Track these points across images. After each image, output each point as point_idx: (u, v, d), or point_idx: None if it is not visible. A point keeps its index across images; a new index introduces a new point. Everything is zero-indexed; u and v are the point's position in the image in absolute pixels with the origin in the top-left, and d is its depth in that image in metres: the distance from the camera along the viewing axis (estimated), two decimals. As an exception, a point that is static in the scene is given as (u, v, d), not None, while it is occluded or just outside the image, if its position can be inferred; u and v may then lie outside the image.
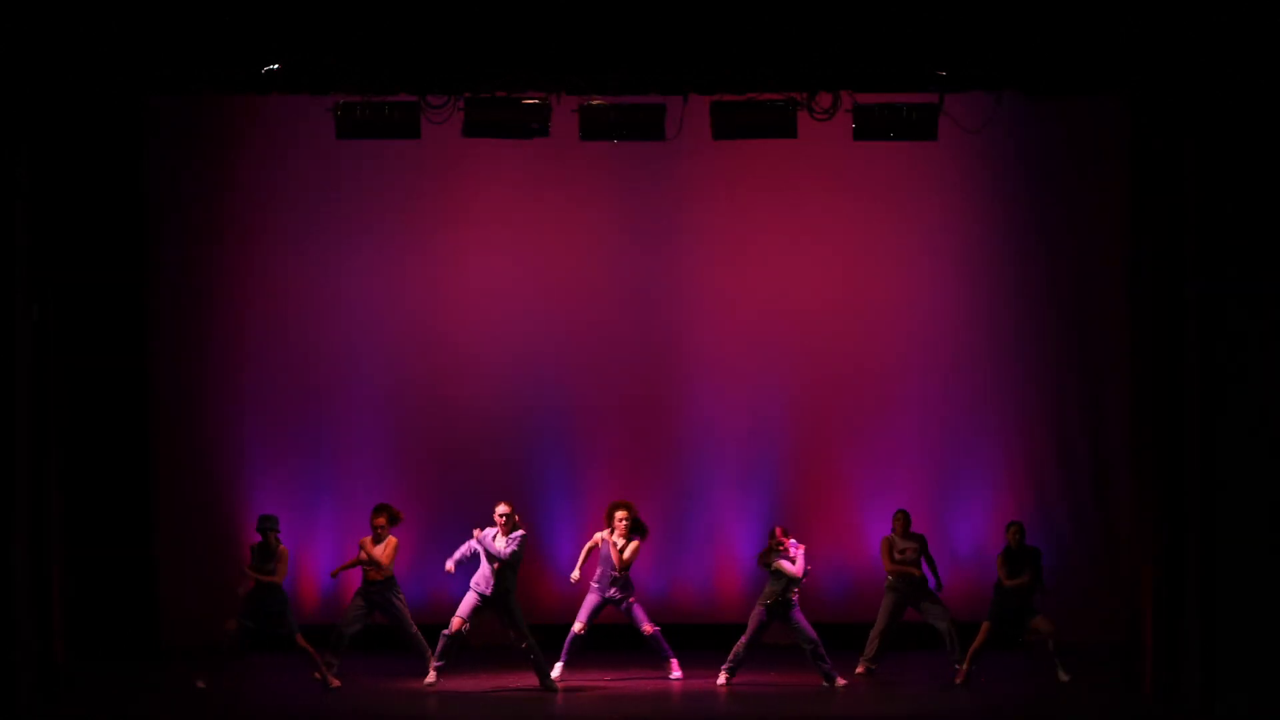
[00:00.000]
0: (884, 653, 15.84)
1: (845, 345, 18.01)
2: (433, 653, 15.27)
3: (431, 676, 15.19)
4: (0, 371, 14.11)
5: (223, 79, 14.86)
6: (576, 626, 15.56)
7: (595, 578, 15.66)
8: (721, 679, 15.22)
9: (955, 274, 18.09)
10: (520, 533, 15.06)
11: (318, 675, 15.11)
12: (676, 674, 15.56)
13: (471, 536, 15.15)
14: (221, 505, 17.85)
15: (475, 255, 18.10)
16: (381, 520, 15.55)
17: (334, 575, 15.99)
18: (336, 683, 15.14)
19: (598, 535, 15.68)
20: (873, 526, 17.58)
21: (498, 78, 14.87)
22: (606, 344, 18.02)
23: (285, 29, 14.22)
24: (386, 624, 15.69)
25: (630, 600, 15.55)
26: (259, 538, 15.29)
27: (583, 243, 18.11)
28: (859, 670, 15.68)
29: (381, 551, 15.52)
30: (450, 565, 15.16)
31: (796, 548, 15.16)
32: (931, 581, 15.99)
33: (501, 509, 15.08)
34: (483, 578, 15.07)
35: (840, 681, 15.11)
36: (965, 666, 15.21)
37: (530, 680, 15.24)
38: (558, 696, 14.86)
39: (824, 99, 15.10)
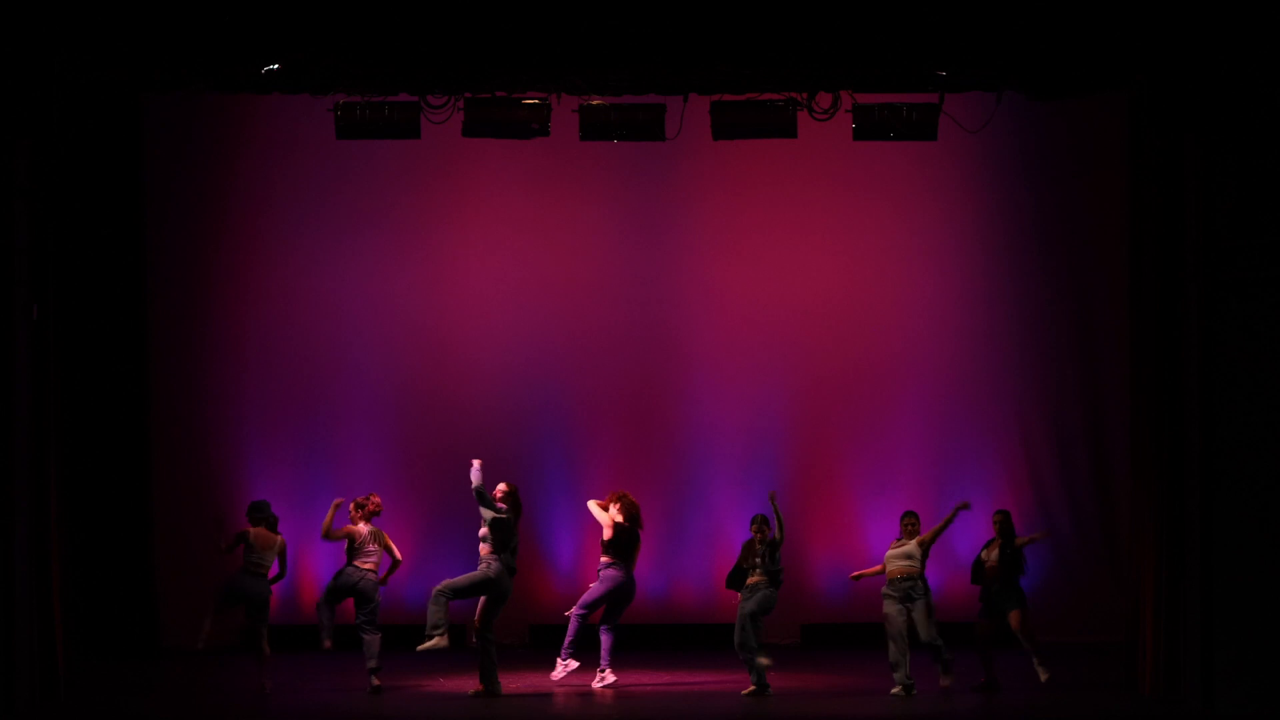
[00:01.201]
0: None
1: (845, 345, 18.03)
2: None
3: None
4: (0, 371, 14.10)
5: (223, 79, 14.87)
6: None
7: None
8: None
9: (955, 274, 18.12)
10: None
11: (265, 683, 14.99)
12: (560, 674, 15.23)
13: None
14: (221, 505, 17.84)
15: (475, 255, 18.12)
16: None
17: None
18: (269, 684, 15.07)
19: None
20: (873, 526, 17.58)
21: (498, 78, 14.88)
22: (606, 343, 18.03)
23: (285, 29, 14.22)
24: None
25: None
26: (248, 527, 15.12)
27: (583, 243, 18.13)
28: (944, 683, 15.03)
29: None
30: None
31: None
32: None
33: (501, 487, 14.90)
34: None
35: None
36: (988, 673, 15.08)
37: (529, 681, 15.24)
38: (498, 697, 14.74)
39: (824, 99, 15.12)
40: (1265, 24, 13.82)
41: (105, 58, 14.35)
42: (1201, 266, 14.03)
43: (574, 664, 15.09)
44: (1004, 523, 14.98)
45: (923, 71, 14.79)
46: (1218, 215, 13.96)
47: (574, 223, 18.16)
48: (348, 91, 15.07)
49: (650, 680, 15.54)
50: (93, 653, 16.27)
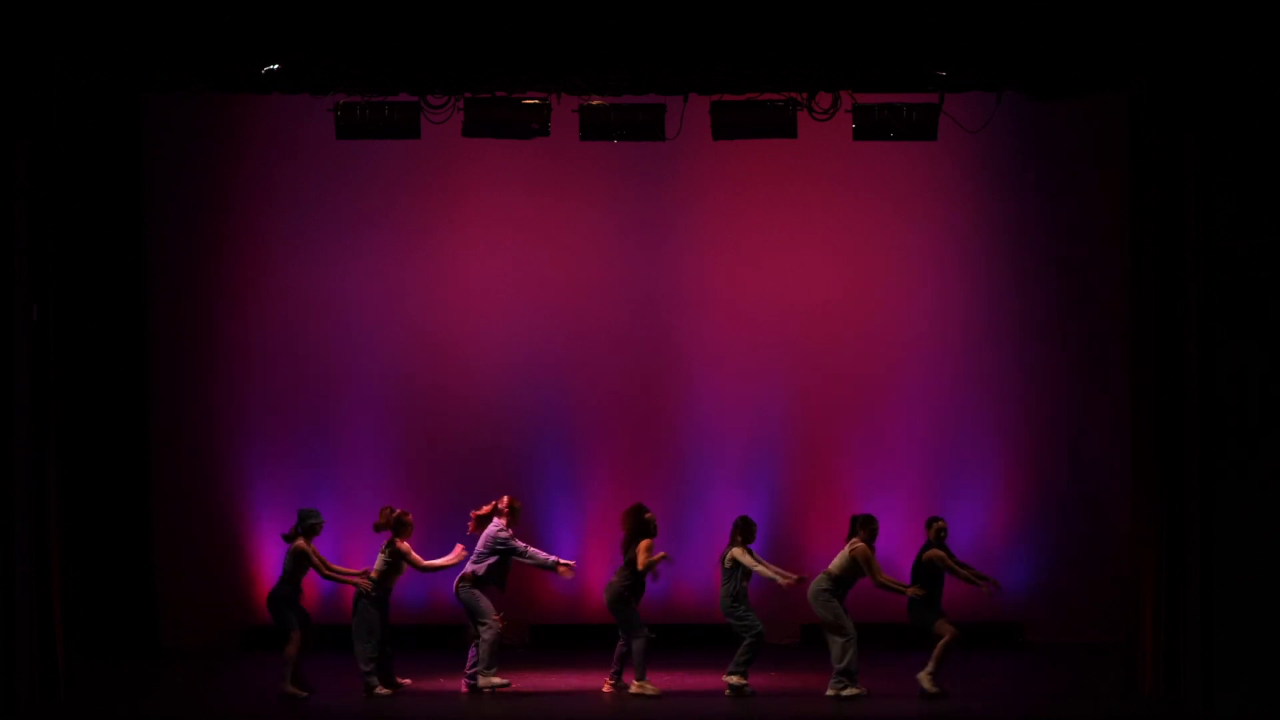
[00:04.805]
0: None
1: (845, 345, 18.04)
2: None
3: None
4: (0, 371, 14.11)
5: (223, 79, 14.86)
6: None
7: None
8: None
9: (955, 274, 18.13)
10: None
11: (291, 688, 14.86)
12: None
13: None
14: (221, 506, 17.87)
15: (475, 255, 18.12)
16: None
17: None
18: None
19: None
20: (874, 526, 17.58)
21: (498, 78, 14.87)
22: (606, 343, 18.04)
23: (285, 29, 14.21)
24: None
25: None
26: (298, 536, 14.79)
27: (583, 243, 18.14)
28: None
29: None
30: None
31: None
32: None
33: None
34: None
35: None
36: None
37: (528, 681, 15.23)
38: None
39: (824, 99, 15.12)
40: (1265, 24, 13.82)
41: (105, 58, 14.34)
42: (1201, 266, 14.02)
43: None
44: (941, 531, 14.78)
45: (923, 71, 14.78)
46: (1218, 215, 13.96)
47: (574, 223, 18.16)
48: (348, 91, 15.06)
49: (650, 680, 15.51)
50: (93, 653, 16.26)
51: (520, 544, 14.83)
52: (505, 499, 14.92)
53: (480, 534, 14.84)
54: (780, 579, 14.67)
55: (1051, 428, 18.10)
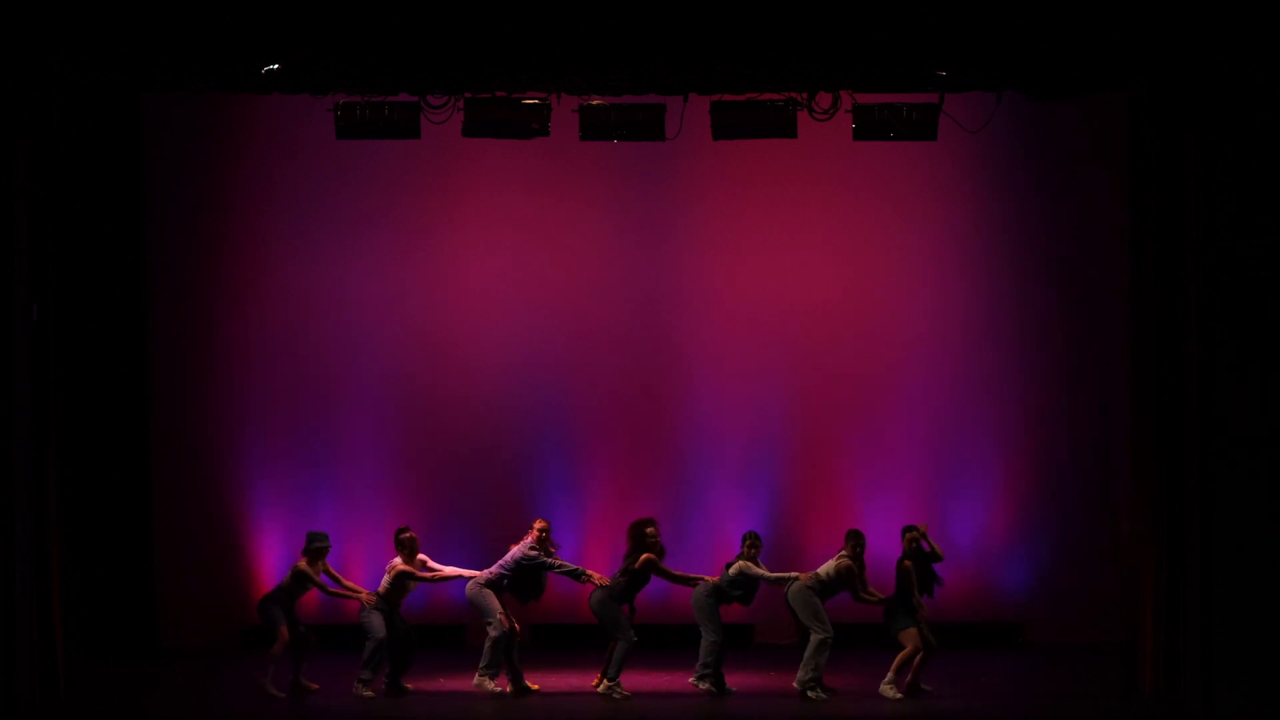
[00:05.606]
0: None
1: (845, 345, 18.04)
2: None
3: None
4: (0, 371, 14.10)
5: (223, 79, 14.87)
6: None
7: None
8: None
9: (955, 274, 18.12)
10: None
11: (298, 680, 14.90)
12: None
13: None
14: (221, 506, 17.86)
15: (475, 255, 18.12)
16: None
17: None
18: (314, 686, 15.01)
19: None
20: (874, 526, 17.52)
21: (498, 78, 14.87)
22: (606, 343, 18.04)
23: (285, 29, 14.22)
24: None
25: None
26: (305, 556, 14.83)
27: (583, 243, 18.14)
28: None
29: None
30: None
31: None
32: None
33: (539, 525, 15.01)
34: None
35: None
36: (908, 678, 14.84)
37: (528, 681, 15.22)
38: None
39: (824, 99, 15.12)
40: (1265, 24, 13.82)
41: (105, 58, 14.34)
42: (1201, 266, 14.03)
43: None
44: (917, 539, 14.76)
45: (923, 71, 14.78)
46: (1218, 215, 13.96)
47: (574, 223, 18.16)
48: (348, 91, 15.06)
49: (650, 680, 15.52)
50: (93, 653, 16.26)
51: (548, 559, 14.85)
52: (539, 523, 14.96)
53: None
54: (790, 577, 14.69)
55: (1052, 428, 18.10)
